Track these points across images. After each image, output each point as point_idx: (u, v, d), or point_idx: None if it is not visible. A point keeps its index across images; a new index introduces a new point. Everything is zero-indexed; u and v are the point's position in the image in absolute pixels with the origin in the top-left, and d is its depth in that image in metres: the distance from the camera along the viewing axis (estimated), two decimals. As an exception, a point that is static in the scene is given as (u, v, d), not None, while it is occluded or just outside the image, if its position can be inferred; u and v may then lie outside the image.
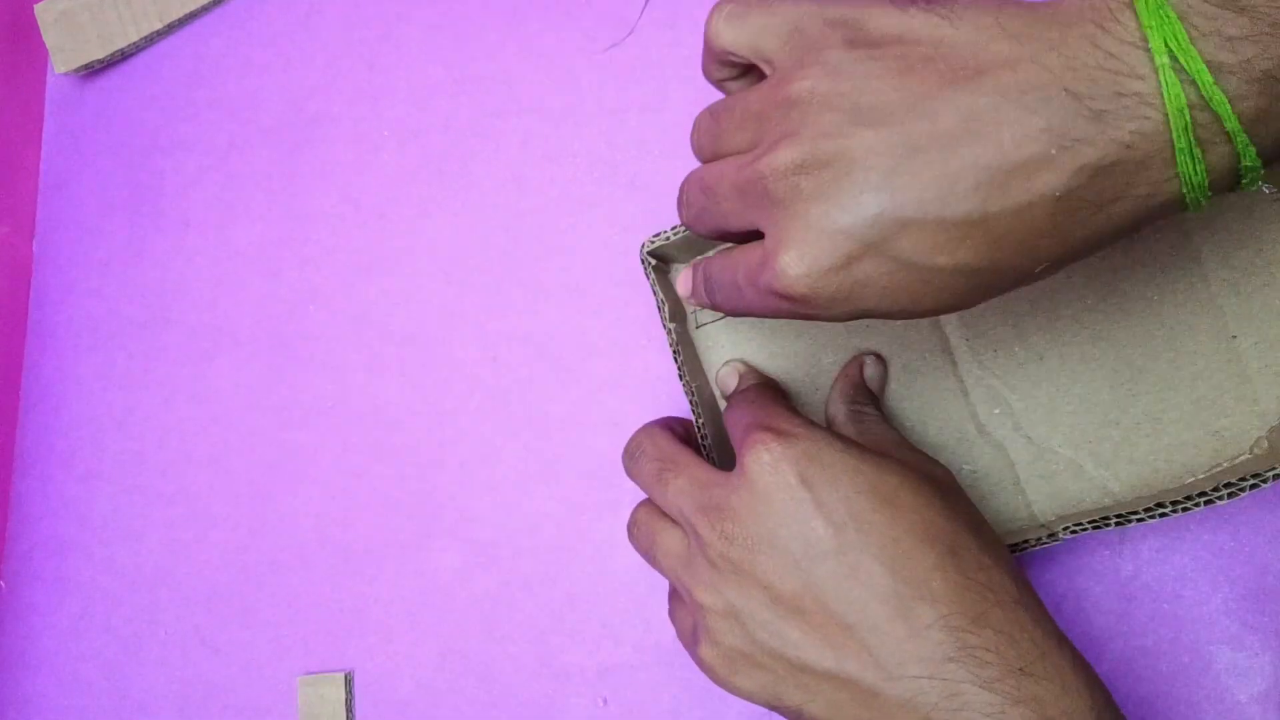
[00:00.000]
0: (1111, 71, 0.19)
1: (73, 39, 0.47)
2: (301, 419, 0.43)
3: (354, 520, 0.42)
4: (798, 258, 0.22)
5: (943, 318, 0.33)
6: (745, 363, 0.34)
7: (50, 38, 0.48)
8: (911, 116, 0.21)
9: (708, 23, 0.25)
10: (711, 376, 0.34)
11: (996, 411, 0.33)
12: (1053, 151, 0.20)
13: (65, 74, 0.48)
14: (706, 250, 0.34)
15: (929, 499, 0.25)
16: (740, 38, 0.24)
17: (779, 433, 0.25)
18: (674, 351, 0.32)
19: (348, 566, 0.42)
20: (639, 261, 0.34)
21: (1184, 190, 0.20)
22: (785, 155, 0.22)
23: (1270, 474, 0.28)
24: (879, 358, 0.33)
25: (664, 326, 0.33)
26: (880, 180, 0.21)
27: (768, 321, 0.34)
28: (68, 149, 0.49)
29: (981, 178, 0.20)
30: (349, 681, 0.41)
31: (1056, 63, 0.20)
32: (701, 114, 0.26)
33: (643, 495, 0.30)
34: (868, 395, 0.32)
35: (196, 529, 0.44)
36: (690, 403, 0.32)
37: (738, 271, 0.24)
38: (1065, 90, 0.20)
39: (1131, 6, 0.19)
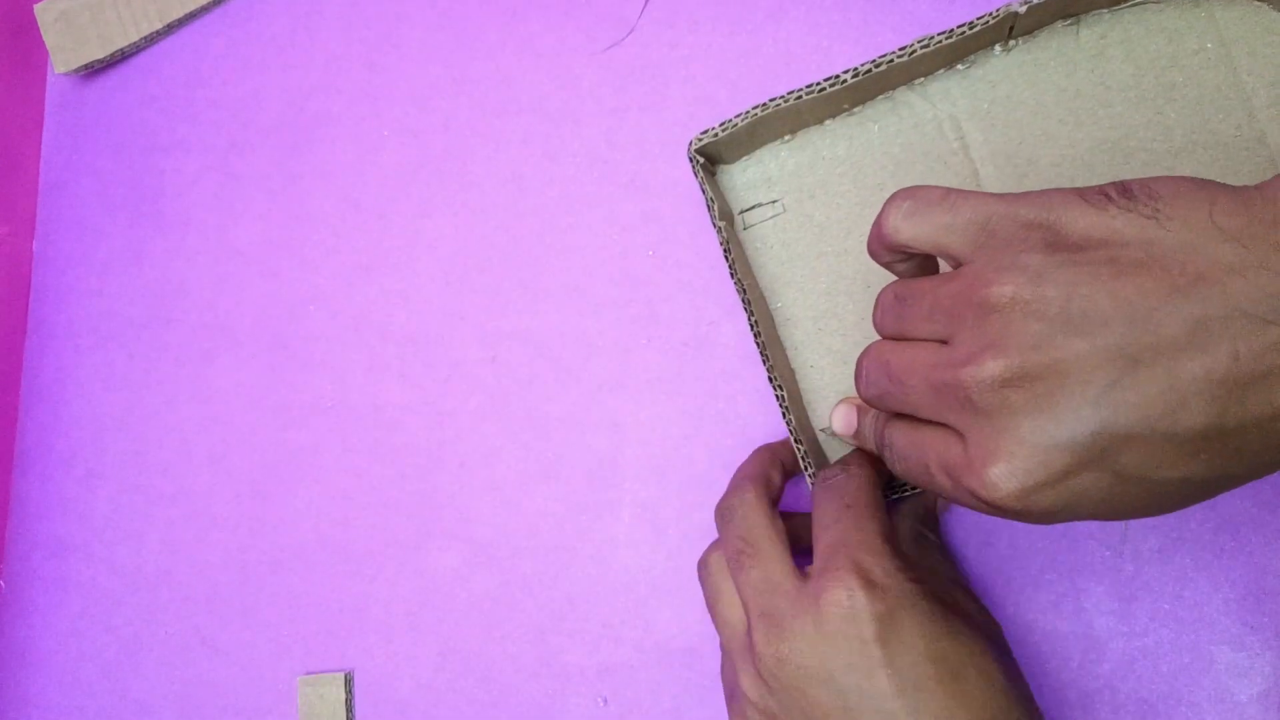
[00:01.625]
0: None
1: (73, 39, 0.47)
2: (301, 419, 0.43)
3: (354, 520, 0.42)
4: (1009, 473, 0.21)
5: None
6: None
7: (50, 38, 0.48)
8: (1130, 326, 0.19)
9: (883, 216, 0.24)
10: (760, 274, 0.34)
11: None
12: None
13: (65, 74, 0.48)
14: (756, 147, 0.34)
15: (991, 674, 0.25)
16: (921, 234, 0.23)
17: (868, 582, 0.25)
18: (724, 250, 0.32)
19: (348, 566, 0.42)
20: (687, 161, 0.33)
21: None
22: (992, 368, 0.21)
23: None
24: None
25: (714, 225, 0.32)
26: (1099, 395, 0.20)
27: (817, 219, 0.34)
28: (68, 149, 0.49)
29: (1217, 392, 0.19)
30: (349, 681, 0.41)
31: None
32: (885, 290, 0.26)
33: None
34: (934, 522, 0.32)
35: (196, 529, 0.44)
36: (742, 300, 0.32)
37: (928, 456, 0.23)
38: None
39: None
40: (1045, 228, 0.21)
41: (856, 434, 0.29)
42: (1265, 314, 0.18)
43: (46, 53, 0.50)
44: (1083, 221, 0.21)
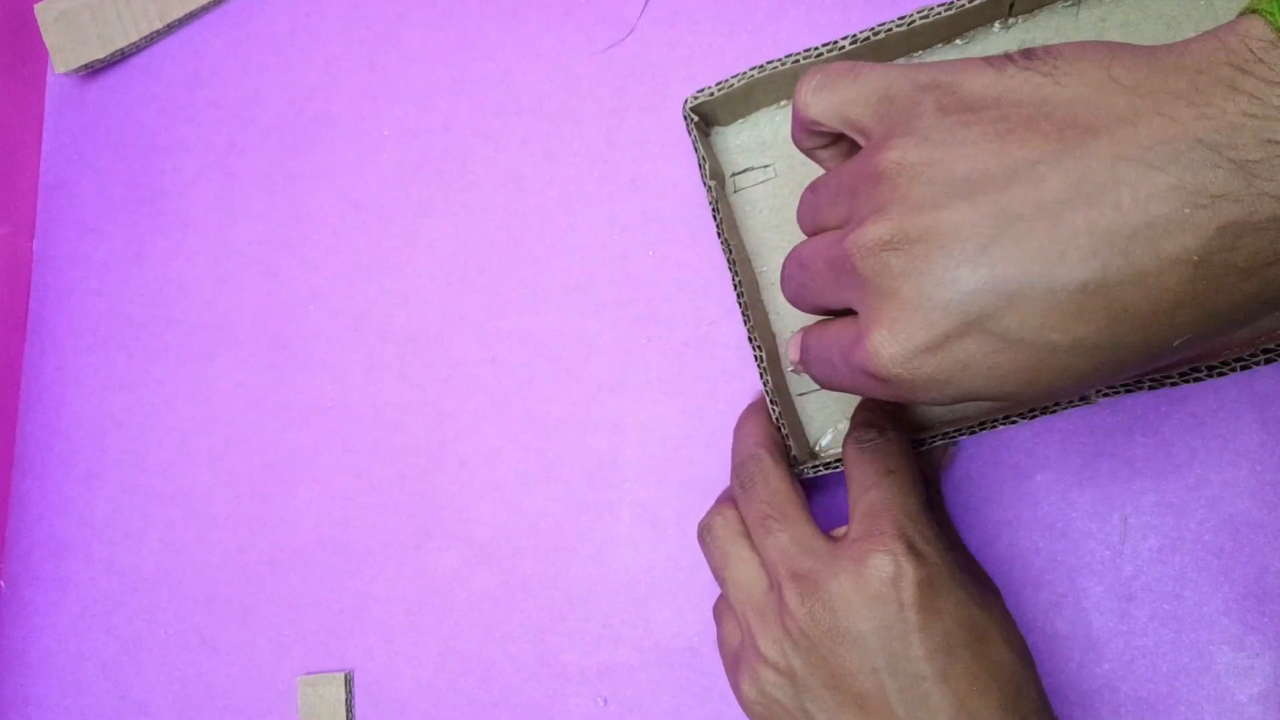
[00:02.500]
0: (1257, 117, 0.17)
1: (73, 39, 0.47)
2: (301, 419, 0.43)
3: (354, 520, 0.42)
4: (889, 337, 0.20)
5: None
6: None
7: (50, 38, 0.48)
8: (1012, 183, 0.19)
9: (796, 93, 0.24)
10: (747, 237, 0.34)
11: None
12: (1186, 211, 0.17)
13: (65, 74, 0.48)
14: (751, 110, 0.34)
15: (1011, 640, 0.26)
16: (828, 108, 0.23)
17: (912, 549, 0.25)
18: (713, 210, 0.32)
19: (348, 566, 0.42)
20: (681, 119, 0.34)
21: None
22: (873, 232, 0.21)
23: None
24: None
25: (704, 184, 0.33)
26: (977, 252, 0.19)
27: (782, 181, 0.34)
28: (68, 149, 0.49)
29: (1098, 244, 0.18)
30: (349, 681, 0.41)
31: (1186, 113, 0.18)
32: (806, 188, 0.26)
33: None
34: (937, 483, 0.32)
35: (196, 529, 0.44)
36: (727, 260, 0.32)
37: (831, 348, 0.23)
38: (1200, 142, 0.17)
39: (1279, 45, 0.17)
40: (940, 89, 0.21)
41: (800, 360, 0.28)
42: (1153, 160, 0.18)
43: (46, 53, 0.50)
44: (979, 82, 0.20)
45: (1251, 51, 0.18)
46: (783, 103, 0.34)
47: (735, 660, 0.29)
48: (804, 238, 0.27)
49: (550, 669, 0.38)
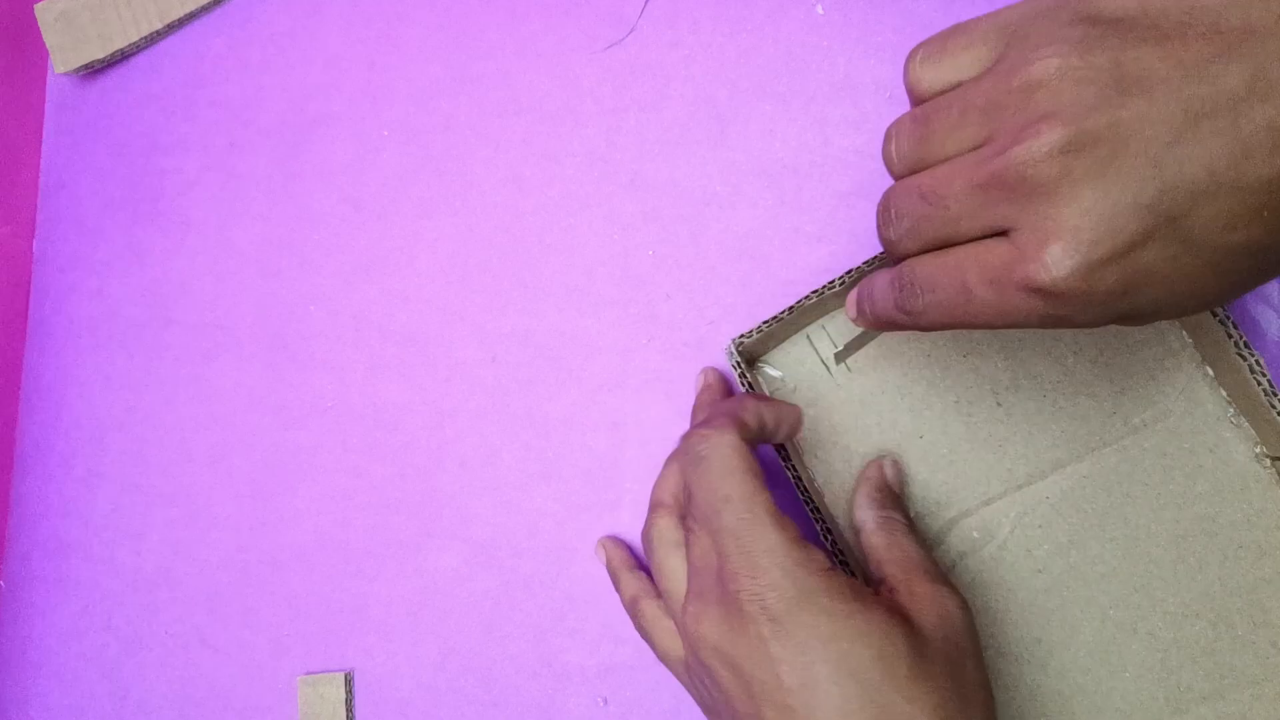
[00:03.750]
0: None
1: (73, 39, 0.47)
2: (301, 419, 0.43)
3: (354, 520, 0.42)
4: (1073, 247, 0.19)
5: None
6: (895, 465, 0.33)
7: (50, 38, 0.48)
8: (1187, 82, 0.19)
9: (907, 73, 0.23)
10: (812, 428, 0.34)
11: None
12: None
13: (65, 74, 0.48)
14: (784, 342, 0.34)
15: (898, 675, 0.24)
16: (943, 72, 0.22)
17: (767, 582, 0.24)
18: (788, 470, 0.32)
19: (348, 566, 0.42)
20: (725, 356, 0.34)
21: None
22: (1049, 137, 0.19)
23: None
24: (895, 460, 0.33)
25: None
26: (1163, 152, 0.19)
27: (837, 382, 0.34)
28: (68, 149, 0.49)
29: (1278, 140, 0.18)
30: (349, 681, 0.41)
31: None
32: (900, 120, 0.24)
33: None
34: (894, 499, 0.31)
35: (196, 529, 0.44)
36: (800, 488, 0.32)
37: (966, 273, 0.22)
38: None
39: None
40: (1075, 8, 0.20)
41: (861, 308, 0.27)
42: None
43: (46, 53, 0.50)
44: (1116, 0, 0.20)
45: None
46: (804, 330, 0.34)
47: (662, 657, 0.29)
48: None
49: (550, 669, 0.38)
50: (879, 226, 0.25)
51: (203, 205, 0.46)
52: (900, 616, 0.25)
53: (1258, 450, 0.30)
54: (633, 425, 0.37)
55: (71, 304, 0.48)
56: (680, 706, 0.36)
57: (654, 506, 0.30)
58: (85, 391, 0.47)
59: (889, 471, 0.32)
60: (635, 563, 0.34)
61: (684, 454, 0.28)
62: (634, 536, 0.37)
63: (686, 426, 0.37)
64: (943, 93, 0.23)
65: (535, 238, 0.40)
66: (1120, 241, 0.19)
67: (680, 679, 0.29)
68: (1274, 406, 0.28)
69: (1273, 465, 0.29)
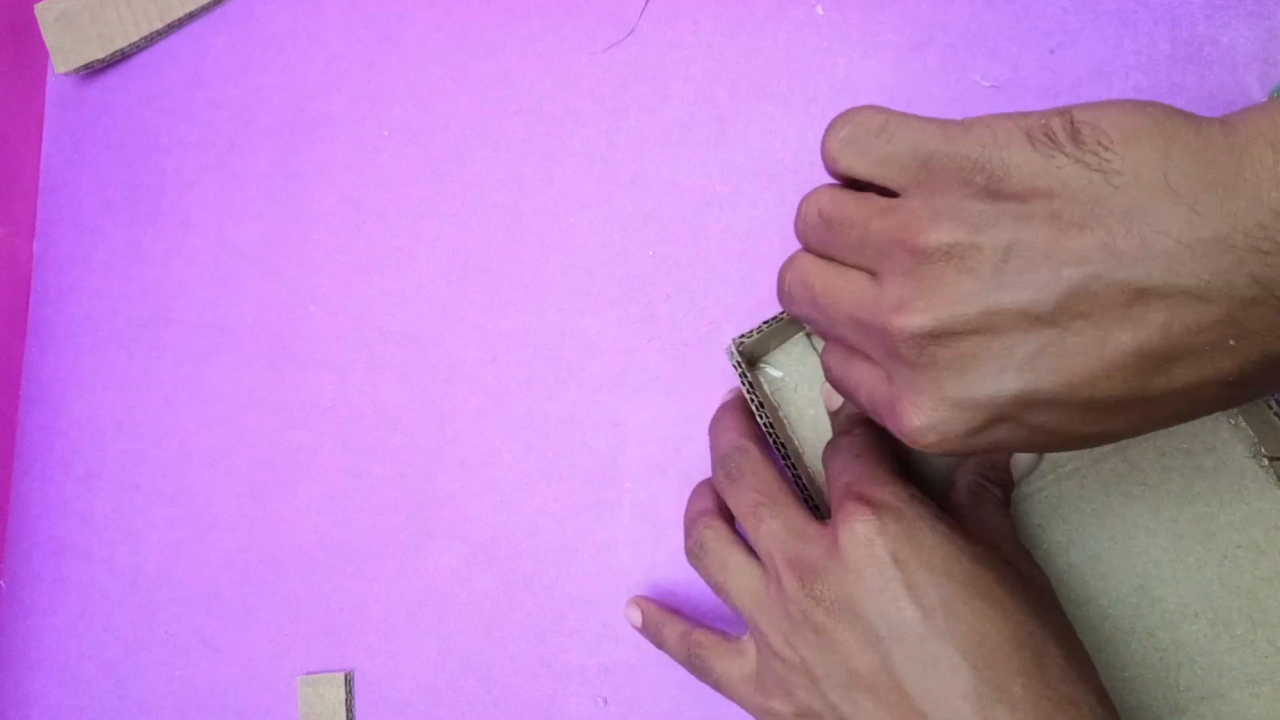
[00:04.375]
0: None
1: (73, 39, 0.47)
2: (301, 419, 0.43)
3: (354, 520, 0.42)
4: (929, 425, 0.21)
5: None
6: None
7: (50, 38, 0.48)
8: (1064, 292, 0.19)
9: (823, 143, 0.23)
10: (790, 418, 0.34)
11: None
12: (1230, 343, 0.18)
13: (65, 74, 0.48)
14: (785, 342, 0.34)
15: (1023, 601, 0.24)
16: (859, 164, 0.23)
17: (877, 506, 0.25)
18: (766, 427, 0.32)
19: (348, 566, 0.42)
20: (725, 355, 0.34)
21: None
22: (919, 321, 0.20)
23: None
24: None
25: (755, 410, 0.32)
26: (1025, 360, 0.19)
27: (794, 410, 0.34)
28: (68, 149, 0.49)
29: (1144, 365, 0.19)
30: (349, 681, 0.41)
31: (1241, 241, 0.17)
32: (812, 201, 0.24)
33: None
34: (1002, 476, 0.30)
35: (196, 529, 0.44)
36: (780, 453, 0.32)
37: (859, 390, 0.24)
38: (1254, 280, 0.17)
39: None
40: (985, 170, 0.20)
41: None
42: (1205, 291, 0.18)
43: (46, 53, 0.50)
44: (1027, 168, 0.19)
45: None
46: (804, 329, 0.34)
47: (761, 682, 0.27)
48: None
49: (550, 669, 0.38)
50: (778, 289, 0.26)
51: (203, 205, 0.46)
52: (1004, 552, 0.26)
53: (1257, 450, 0.30)
54: (633, 425, 0.37)
55: (71, 304, 0.48)
56: (680, 706, 0.36)
57: (693, 520, 0.30)
58: (85, 391, 0.47)
59: (1022, 456, 0.32)
60: (668, 608, 0.34)
61: (717, 468, 0.30)
62: (634, 537, 0.37)
63: (687, 427, 0.37)
64: (851, 181, 0.23)
65: (535, 238, 0.40)
66: (972, 427, 0.21)
67: (749, 700, 0.28)
68: (1271, 407, 0.28)
69: (1271, 465, 0.29)
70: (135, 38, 0.47)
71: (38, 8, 0.48)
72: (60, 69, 0.48)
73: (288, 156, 0.44)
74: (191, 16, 0.47)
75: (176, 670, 0.44)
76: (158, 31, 0.47)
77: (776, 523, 0.27)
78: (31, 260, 0.50)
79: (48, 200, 0.50)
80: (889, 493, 0.25)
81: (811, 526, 0.26)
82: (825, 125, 0.23)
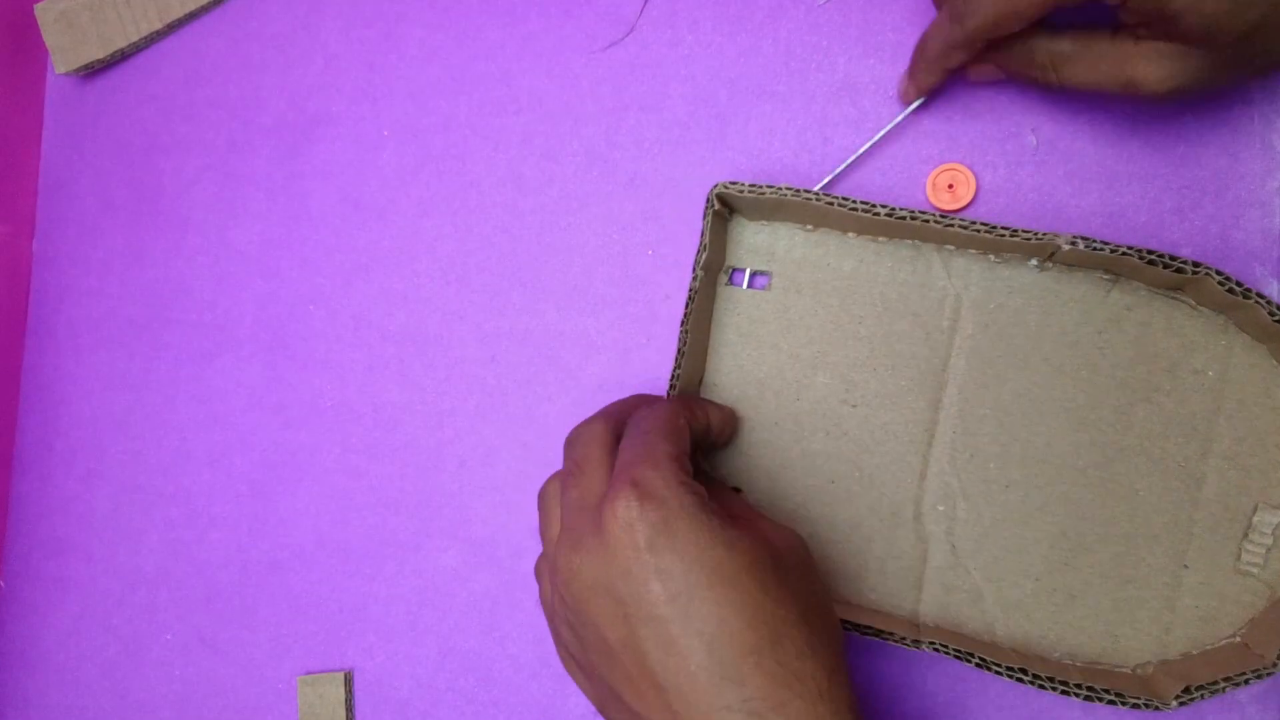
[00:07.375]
0: None
1: (73, 39, 0.47)
2: (301, 419, 0.43)
3: (354, 520, 0.42)
4: None
5: (945, 401, 0.33)
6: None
7: (50, 38, 0.48)
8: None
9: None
10: (714, 333, 0.35)
11: (940, 509, 0.33)
12: None
13: (65, 74, 0.48)
14: (777, 220, 0.34)
15: (768, 582, 0.25)
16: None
17: (643, 491, 0.25)
18: (689, 296, 0.32)
19: (348, 566, 0.42)
20: (703, 200, 0.34)
21: None
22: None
23: (1134, 700, 0.28)
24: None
25: (693, 270, 0.33)
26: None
27: (791, 314, 0.34)
28: (68, 149, 0.49)
29: None
30: (349, 681, 0.41)
31: None
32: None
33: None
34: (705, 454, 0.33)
35: (196, 529, 0.44)
36: (678, 352, 0.33)
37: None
38: None
39: None
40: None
41: (914, 66, 0.31)
42: None
43: (46, 53, 0.50)
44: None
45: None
46: (809, 226, 0.34)
47: (548, 616, 0.30)
48: (765, 365, 0.33)
49: (550, 669, 0.38)
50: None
51: (203, 205, 0.46)
52: (762, 537, 0.26)
53: (1102, 277, 0.31)
54: (633, 425, 0.37)
55: (71, 304, 0.48)
56: (680, 706, 0.36)
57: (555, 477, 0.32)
58: (85, 391, 0.47)
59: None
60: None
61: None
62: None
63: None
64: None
65: (535, 238, 0.40)
66: None
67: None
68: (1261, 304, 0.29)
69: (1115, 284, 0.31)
70: (135, 38, 0.47)
71: (38, 8, 0.48)
72: (60, 69, 0.48)
73: (288, 156, 0.44)
74: (191, 16, 0.47)
75: (176, 670, 0.44)
76: (157, 31, 0.47)
77: (574, 492, 0.28)
78: (31, 260, 0.50)
79: (48, 200, 0.50)
80: (658, 477, 0.26)
81: (595, 499, 0.27)
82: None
